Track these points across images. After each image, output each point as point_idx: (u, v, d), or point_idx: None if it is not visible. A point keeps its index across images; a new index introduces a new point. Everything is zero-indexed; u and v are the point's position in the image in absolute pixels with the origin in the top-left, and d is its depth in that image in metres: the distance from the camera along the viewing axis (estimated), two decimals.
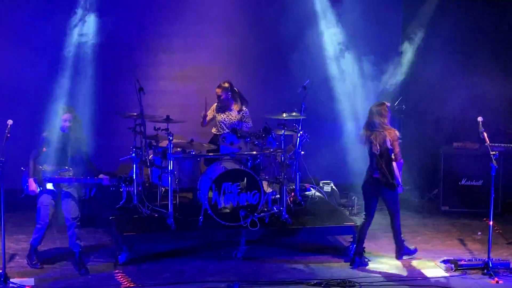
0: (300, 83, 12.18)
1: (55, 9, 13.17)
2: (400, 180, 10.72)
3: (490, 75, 13.37)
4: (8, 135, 9.94)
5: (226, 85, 12.28)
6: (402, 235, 11.01)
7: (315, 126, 13.37)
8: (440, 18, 13.80)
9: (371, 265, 10.65)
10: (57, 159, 10.30)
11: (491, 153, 10.46)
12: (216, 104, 12.41)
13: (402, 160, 10.62)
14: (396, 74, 14.31)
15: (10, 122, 10.03)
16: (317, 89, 13.25)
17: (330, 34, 13.88)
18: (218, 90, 12.28)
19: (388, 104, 10.64)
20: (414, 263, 10.75)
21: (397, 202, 10.89)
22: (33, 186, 10.26)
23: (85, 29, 13.03)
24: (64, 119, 10.29)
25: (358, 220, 11.38)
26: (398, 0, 14.63)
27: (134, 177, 11.58)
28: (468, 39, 13.77)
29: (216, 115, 12.38)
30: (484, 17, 13.82)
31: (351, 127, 13.96)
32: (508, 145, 12.09)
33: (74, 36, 12.95)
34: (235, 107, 12.37)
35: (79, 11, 12.93)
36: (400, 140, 10.56)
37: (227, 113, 12.35)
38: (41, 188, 10.21)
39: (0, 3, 13.21)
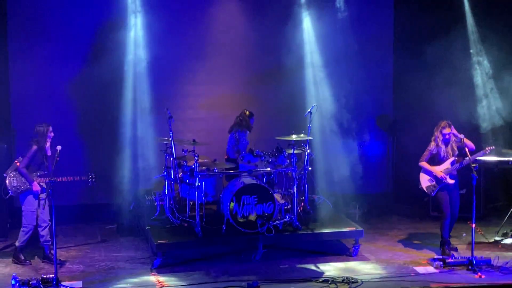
0: (307, 108, 12.24)
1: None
2: (421, 183, 11.21)
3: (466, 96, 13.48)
4: (58, 158, 10.06)
5: None
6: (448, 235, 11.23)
7: (321, 144, 13.41)
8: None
9: (371, 264, 10.63)
10: (41, 166, 10.55)
11: (472, 165, 10.48)
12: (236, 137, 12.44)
13: (420, 164, 11.11)
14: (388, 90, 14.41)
15: (59, 147, 10.15)
16: (321, 113, 13.32)
17: (327, 60, 13.96)
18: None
19: (443, 124, 10.95)
20: (408, 261, 10.72)
21: (439, 203, 11.20)
22: (37, 187, 10.45)
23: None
24: (51, 130, 10.58)
25: (360, 226, 11.39)
26: (389, 17, 14.61)
27: (167, 193, 11.65)
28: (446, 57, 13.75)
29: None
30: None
31: (352, 143, 14.01)
32: (487, 158, 12.06)
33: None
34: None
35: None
36: (430, 153, 11.07)
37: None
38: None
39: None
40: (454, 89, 13.62)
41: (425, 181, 11.18)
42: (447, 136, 10.98)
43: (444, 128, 10.97)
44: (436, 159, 11.09)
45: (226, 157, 12.55)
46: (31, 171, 10.50)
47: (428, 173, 11.10)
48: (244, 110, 12.49)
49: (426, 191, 11.21)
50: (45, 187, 10.54)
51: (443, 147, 11.04)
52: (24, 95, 13.12)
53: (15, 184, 10.52)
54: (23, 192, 10.53)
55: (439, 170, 11.02)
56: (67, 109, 13.26)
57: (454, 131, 11.04)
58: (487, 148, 11.05)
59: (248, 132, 12.43)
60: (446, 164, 11.04)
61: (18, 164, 10.49)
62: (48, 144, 10.52)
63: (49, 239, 10.64)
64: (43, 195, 10.56)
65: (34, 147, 10.47)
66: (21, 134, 12.94)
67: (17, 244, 10.65)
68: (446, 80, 13.59)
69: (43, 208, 10.51)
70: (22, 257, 10.67)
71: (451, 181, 11.02)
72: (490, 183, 13.48)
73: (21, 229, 10.64)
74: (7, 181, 10.53)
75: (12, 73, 13.09)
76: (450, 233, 11.25)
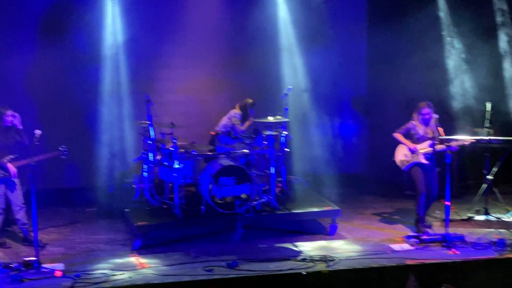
0: (282, 90, 12.19)
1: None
2: (395, 156, 11.33)
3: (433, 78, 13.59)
4: (37, 143, 9.92)
5: None
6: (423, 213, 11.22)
7: (298, 126, 13.42)
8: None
9: (348, 243, 10.64)
10: (4, 150, 10.36)
11: (446, 144, 10.53)
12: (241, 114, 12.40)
13: (394, 134, 11.22)
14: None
15: (38, 132, 10.01)
16: (297, 95, 13.32)
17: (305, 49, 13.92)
18: None
19: (422, 104, 11.04)
20: (384, 239, 10.74)
21: (414, 180, 11.22)
22: (13, 169, 10.29)
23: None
24: (8, 114, 10.35)
25: (336, 205, 11.37)
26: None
27: (145, 175, 11.55)
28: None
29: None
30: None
31: (328, 125, 14.06)
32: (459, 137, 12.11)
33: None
34: None
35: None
36: (406, 129, 11.19)
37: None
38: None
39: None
40: (426, 70, 13.75)
41: (399, 155, 11.23)
42: (426, 116, 11.00)
43: (423, 108, 11.00)
44: (414, 138, 11.12)
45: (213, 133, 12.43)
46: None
47: (404, 147, 11.16)
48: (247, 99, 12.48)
49: (398, 164, 11.26)
50: (16, 171, 10.43)
51: (422, 127, 11.07)
52: None
53: None
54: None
55: (413, 145, 11.10)
56: (42, 93, 12.99)
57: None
58: (468, 141, 11.16)
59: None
60: (424, 145, 11.06)
61: None
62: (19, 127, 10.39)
63: (26, 222, 10.50)
64: (15, 179, 10.45)
65: None
66: None
67: None
68: (419, 61, 13.67)
69: (14, 192, 10.42)
70: (0, 241, 10.55)
71: (425, 161, 11.04)
72: (463, 162, 13.56)
73: None
74: None
75: None
76: (425, 211, 11.27)
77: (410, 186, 12.65)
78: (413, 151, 11.07)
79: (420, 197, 11.08)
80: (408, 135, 11.16)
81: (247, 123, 12.47)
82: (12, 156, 10.37)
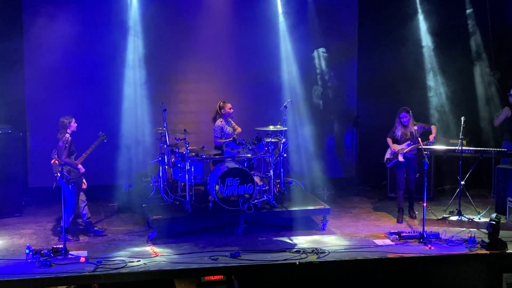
0: (283, 102, 12.19)
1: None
2: (386, 156, 11.66)
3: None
4: (67, 145, 9.97)
5: None
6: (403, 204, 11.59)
7: (295, 134, 13.42)
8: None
9: (337, 237, 10.64)
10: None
11: (424, 153, 10.55)
12: (221, 119, 12.19)
13: (387, 139, 11.55)
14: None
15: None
16: (295, 107, 13.33)
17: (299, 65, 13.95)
18: (230, 106, 12.16)
19: (401, 110, 11.43)
20: (368, 235, 10.74)
21: (395, 175, 11.69)
22: (83, 169, 10.47)
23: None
24: (74, 122, 10.54)
25: (327, 205, 11.37)
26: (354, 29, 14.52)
27: (161, 175, 11.58)
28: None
29: (225, 127, 12.20)
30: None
31: (322, 134, 14.06)
32: (437, 147, 12.11)
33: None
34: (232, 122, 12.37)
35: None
36: (392, 132, 11.55)
37: (230, 126, 12.27)
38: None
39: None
40: (409, 89, 13.79)
41: (386, 154, 11.62)
42: (403, 119, 11.38)
43: (401, 113, 11.41)
44: (395, 139, 11.50)
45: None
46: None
47: (390, 149, 11.54)
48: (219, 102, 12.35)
49: (384, 162, 11.65)
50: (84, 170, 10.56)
51: (401, 128, 11.42)
52: (37, 88, 12.97)
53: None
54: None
55: (396, 147, 11.43)
56: (72, 101, 12.96)
57: (419, 124, 11.44)
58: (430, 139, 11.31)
59: (219, 120, 12.23)
60: (403, 145, 11.38)
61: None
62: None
63: (90, 215, 10.82)
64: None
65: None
66: (34, 123, 13.02)
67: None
68: (402, 83, 13.77)
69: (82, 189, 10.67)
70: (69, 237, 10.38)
71: (401, 159, 11.33)
72: (440, 168, 13.55)
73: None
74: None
75: (26, 70, 12.99)
76: (411, 206, 11.73)
77: (393, 189, 12.70)
78: (393, 152, 11.45)
79: (399, 191, 11.47)
80: (394, 137, 11.52)
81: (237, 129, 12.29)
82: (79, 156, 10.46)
